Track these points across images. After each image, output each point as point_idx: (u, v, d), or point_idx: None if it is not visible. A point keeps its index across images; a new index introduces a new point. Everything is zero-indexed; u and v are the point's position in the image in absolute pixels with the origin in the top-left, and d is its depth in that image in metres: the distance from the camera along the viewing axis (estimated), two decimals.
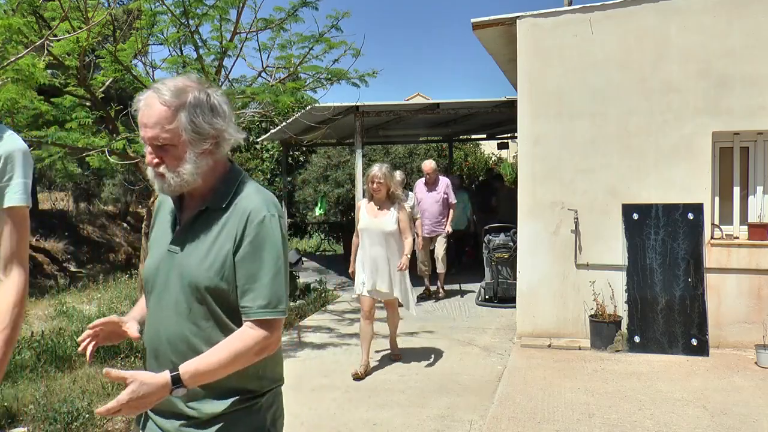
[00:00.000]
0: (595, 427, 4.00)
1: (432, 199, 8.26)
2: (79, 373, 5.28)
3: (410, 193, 7.96)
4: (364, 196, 6.06)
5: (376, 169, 5.33)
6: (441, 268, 8.39)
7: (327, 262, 12.35)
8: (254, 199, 1.71)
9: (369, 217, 5.36)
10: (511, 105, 8.07)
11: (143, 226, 7.36)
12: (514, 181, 13.71)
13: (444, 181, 8.33)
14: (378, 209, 5.37)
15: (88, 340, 1.81)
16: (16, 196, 1.81)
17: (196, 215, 1.72)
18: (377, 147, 18.63)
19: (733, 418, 4.10)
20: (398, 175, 7.50)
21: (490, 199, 11.42)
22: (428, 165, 8.36)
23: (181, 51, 6.80)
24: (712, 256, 5.70)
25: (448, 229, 8.26)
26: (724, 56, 5.61)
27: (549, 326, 6.08)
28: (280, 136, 12.19)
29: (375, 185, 5.32)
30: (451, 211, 8.31)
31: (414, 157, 19.54)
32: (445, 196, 8.27)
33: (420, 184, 8.46)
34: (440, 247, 8.28)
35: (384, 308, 5.69)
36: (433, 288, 8.62)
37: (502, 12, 7.92)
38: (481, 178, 14.99)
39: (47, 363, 5.51)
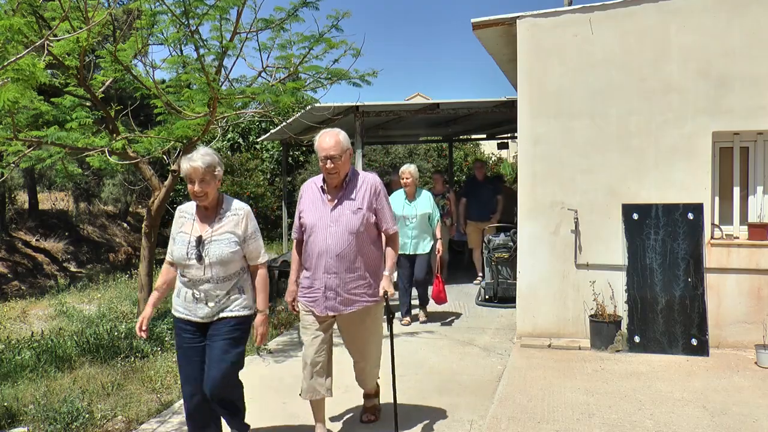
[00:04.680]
0: (595, 427, 4.00)
1: (340, 227, 3.71)
2: (79, 373, 5.28)
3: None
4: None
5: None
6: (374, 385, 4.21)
7: None
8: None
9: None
10: (511, 105, 8.07)
11: (143, 226, 7.35)
12: (514, 181, 13.50)
13: (367, 181, 3.82)
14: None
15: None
16: None
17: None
18: (377, 147, 18.65)
19: (733, 418, 4.10)
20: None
21: (487, 203, 9.10)
22: (329, 139, 3.70)
23: (181, 51, 6.81)
24: (712, 256, 5.70)
25: (386, 289, 3.75)
26: (724, 56, 5.61)
27: (549, 326, 6.07)
28: (280, 136, 12.19)
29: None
30: (392, 246, 3.88)
31: (414, 157, 19.54)
32: (367, 213, 3.75)
33: (312, 188, 3.87)
34: (370, 344, 3.95)
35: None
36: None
37: (502, 12, 7.93)
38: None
39: (47, 363, 5.51)
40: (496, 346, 6.10)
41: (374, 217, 3.80)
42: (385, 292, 3.77)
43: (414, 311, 7.19)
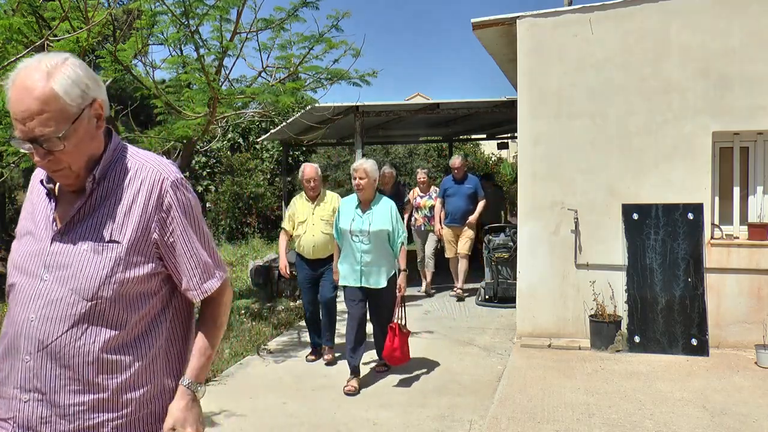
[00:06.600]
0: (595, 427, 4.00)
1: (62, 284, 1.57)
2: None
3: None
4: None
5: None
6: None
7: None
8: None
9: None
10: (511, 105, 8.07)
11: None
12: (514, 181, 13.48)
13: (146, 178, 1.65)
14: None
15: None
16: None
17: None
18: (377, 147, 18.66)
19: (733, 418, 4.10)
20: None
21: (464, 206, 8.09)
22: (31, 83, 1.48)
23: (181, 51, 6.81)
24: (712, 256, 5.70)
25: (175, 427, 1.65)
26: (724, 56, 5.61)
27: (549, 326, 6.07)
28: (280, 136, 12.20)
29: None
30: (211, 326, 1.79)
31: (414, 157, 19.54)
32: (130, 256, 1.60)
33: (37, 189, 1.77)
34: None
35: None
36: None
37: (502, 12, 7.93)
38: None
39: None
40: (496, 346, 6.10)
41: (155, 265, 1.65)
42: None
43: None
